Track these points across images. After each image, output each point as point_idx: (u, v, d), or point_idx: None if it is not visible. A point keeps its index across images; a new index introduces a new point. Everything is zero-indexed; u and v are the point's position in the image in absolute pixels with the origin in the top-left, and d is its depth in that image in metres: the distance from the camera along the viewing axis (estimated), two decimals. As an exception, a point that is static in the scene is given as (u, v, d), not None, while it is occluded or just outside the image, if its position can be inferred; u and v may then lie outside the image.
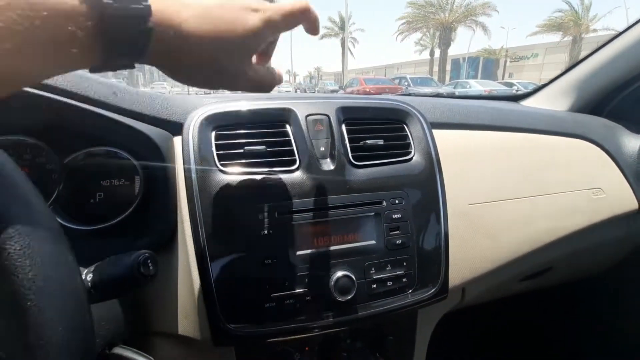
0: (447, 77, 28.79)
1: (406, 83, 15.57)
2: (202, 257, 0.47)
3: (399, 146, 0.60)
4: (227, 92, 0.80)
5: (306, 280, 0.50)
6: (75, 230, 0.50)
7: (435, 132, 0.64)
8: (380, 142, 0.59)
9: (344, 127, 0.58)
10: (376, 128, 0.60)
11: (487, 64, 31.95)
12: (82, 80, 0.50)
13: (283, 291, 0.49)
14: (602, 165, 0.81)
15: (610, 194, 0.78)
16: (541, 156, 0.74)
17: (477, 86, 12.71)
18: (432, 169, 0.59)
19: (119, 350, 0.43)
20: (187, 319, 0.49)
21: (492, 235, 0.64)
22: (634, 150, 0.84)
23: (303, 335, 0.51)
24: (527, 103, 1.12)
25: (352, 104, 0.61)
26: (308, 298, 0.50)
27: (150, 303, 0.50)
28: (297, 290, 0.49)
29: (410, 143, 0.61)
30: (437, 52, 29.93)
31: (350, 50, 34.63)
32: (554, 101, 1.06)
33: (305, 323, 0.49)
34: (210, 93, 1.10)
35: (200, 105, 0.55)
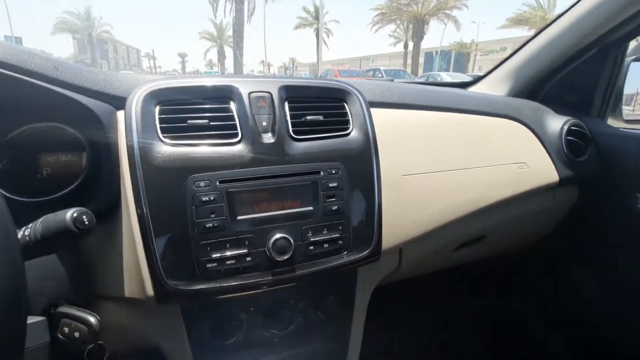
0: (420, 70, 29.37)
1: (380, 75, 15.74)
2: (144, 222, 0.50)
3: (338, 122, 0.65)
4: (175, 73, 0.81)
5: (246, 242, 0.54)
6: (22, 203, 0.52)
7: (374, 110, 0.70)
8: (320, 118, 0.63)
9: (286, 105, 0.62)
10: (317, 106, 0.65)
11: (458, 57, 32.85)
12: (23, 54, 0.51)
13: (224, 252, 0.53)
14: (527, 143, 0.89)
15: (533, 168, 0.87)
16: (472, 134, 0.82)
17: (447, 79, 13.06)
18: (368, 143, 0.65)
19: (63, 309, 0.46)
20: (132, 281, 0.52)
21: (423, 203, 0.70)
22: (556, 130, 0.94)
23: (245, 292, 0.55)
24: (473, 89, 1.20)
25: (295, 83, 0.65)
26: (248, 259, 0.54)
27: (96, 268, 0.53)
28: (238, 252, 0.53)
29: (349, 120, 0.66)
30: (411, 45, 30.37)
31: (324, 41, 34.47)
32: (495, 87, 1.15)
33: (246, 281, 0.54)
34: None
35: (145, 81, 0.57)
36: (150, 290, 0.51)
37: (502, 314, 1.40)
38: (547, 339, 1.24)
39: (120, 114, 0.56)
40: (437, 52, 33.24)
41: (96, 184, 0.54)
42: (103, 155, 0.53)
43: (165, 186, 0.52)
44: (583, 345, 1.14)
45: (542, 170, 0.88)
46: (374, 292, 0.84)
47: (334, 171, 0.61)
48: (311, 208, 0.59)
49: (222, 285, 0.53)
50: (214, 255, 0.52)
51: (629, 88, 1.15)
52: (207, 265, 0.52)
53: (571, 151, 0.93)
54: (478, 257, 1.07)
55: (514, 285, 1.36)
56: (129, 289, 0.53)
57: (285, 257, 0.55)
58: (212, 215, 0.53)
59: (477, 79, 1.24)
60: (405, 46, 32.34)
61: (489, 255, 1.12)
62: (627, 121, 1.15)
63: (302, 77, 0.82)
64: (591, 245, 1.08)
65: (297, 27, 35.67)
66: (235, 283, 0.53)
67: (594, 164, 0.98)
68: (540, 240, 1.15)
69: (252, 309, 0.61)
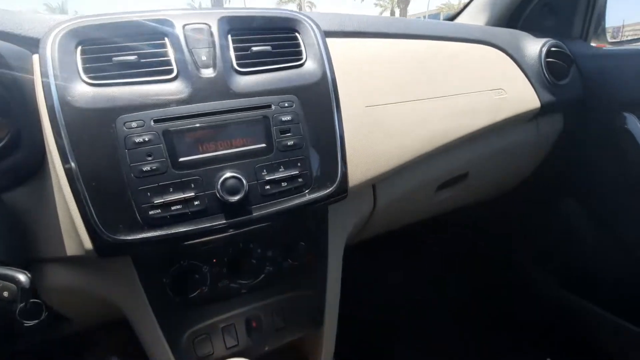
0: (409, 36, 28.62)
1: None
2: (71, 173, 0.45)
3: (289, 53, 0.59)
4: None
5: (192, 185, 0.49)
6: None
7: (331, 40, 0.64)
8: (269, 49, 0.57)
9: (229, 37, 0.56)
10: (265, 37, 0.59)
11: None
12: None
13: (167, 197, 0.48)
14: (504, 69, 0.83)
15: (512, 95, 0.81)
16: (443, 61, 0.76)
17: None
18: (324, 73, 0.59)
19: (-10, 269, 0.41)
20: (70, 238, 0.48)
21: (392, 134, 0.65)
22: (535, 52, 0.87)
23: (198, 239, 0.51)
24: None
25: (238, 14, 0.59)
26: (197, 202, 0.49)
27: (31, 229, 0.48)
28: (183, 196, 0.49)
29: (301, 50, 0.60)
30: (397, 12, 29.48)
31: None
32: (474, 18, 1.08)
33: (197, 226, 0.49)
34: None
35: (64, 20, 0.51)
36: (88, 244, 0.46)
37: (491, 258, 1.38)
38: (536, 276, 1.22)
39: (36, 58, 0.50)
40: (424, 16, 32.32)
41: (15, 137, 0.48)
42: (19, 105, 0.48)
43: (92, 131, 0.46)
44: (573, 281, 1.12)
45: (522, 96, 0.83)
46: (357, 248, 0.80)
47: (286, 104, 0.55)
48: (264, 145, 0.54)
49: (170, 232, 0.48)
50: (156, 201, 0.48)
51: (612, 17, 1.08)
52: (150, 213, 0.47)
53: (552, 74, 0.87)
54: (462, 201, 1.03)
55: (501, 228, 1.33)
56: (69, 247, 0.48)
57: (238, 198, 0.50)
58: (149, 158, 0.48)
59: (456, 13, 1.17)
60: (392, 13, 31.42)
61: (473, 199, 1.08)
62: (613, 43, 1.08)
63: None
64: (580, 176, 1.05)
65: (279, 2, 34.50)
66: (185, 229, 0.49)
67: (577, 87, 0.92)
68: (526, 180, 1.11)
69: (214, 260, 0.57)
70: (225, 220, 0.51)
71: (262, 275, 0.61)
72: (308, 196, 0.56)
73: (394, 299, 1.36)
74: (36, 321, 0.44)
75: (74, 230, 0.47)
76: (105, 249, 0.47)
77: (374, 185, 0.71)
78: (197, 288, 0.56)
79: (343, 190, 0.59)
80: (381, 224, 0.84)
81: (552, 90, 0.87)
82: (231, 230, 0.52)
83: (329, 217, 0.65)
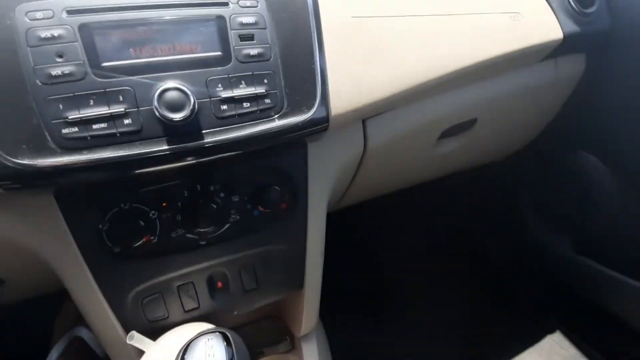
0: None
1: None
2: None
3: None
4: None
5: (120, 97, 0.38)
6: None
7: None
8: None
9: None
10: None
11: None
12: None
13: (86, 111, 0.37)
14: (522, -11, 0.70)
15: (530, 20, 0.68)
16: (449, -25, 0.63)
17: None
18: None
19: None
20: None
21: (385, 56, 0.53)
22: (558, -28, 0.74)
23: (132, 171, 0.40)
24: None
25: None
26: (127, 121, 0.38)
27: None
28: (109, 111, 0.37)
29: None
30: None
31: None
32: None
33: (128, 152, 0.38)
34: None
35: None
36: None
37: (497, 218, 1.28)
38: (548, 239, 1.12)
39: None
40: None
41: None
42: None
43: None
44: (590, 245, 1.02)
45: (541, 23, 0.70)
46: (354, 212, 0.69)
47: (248, 3, 0.43)
48: (219, 53, 0.42)
49: (92, 158, 0.37)
50: (71, 116, 0.36)
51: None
52: (63, 131, 0.36)
53: (577, 0, 0.74)
54: (465, 161, 0.91)
55: (507, 186, 1.21)
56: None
57: (182, 116, 0.38)
58: (59, 60, 0.36)
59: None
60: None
61: (478, 158, 0.96)
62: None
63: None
64: (602, 128, 0.92)
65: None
66: (112, 155, 0.38)
67: (604, 18, 0.79)
68: (539, 136, 0.99)
69: (164, 204, 0.47)
70: (168, 145, 0.40)
71: (227, 225, 0.51)
72: (277, 122, 0.45)
73: (387, 261, 1.27)
74: None
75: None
76: (6, 176, 0.36)
77: (364, 121, 0.59)
78: (142, 237, 0.45)
79: (323, 118, 0.47)
80: (373, 178, 0.73)
81: (577, 19, 0.73)
82: (176, 160, 0.41)
83: (309, 157, 0.54)
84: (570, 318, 1.10)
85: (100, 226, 0.44)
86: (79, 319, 0.93)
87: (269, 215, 0.53)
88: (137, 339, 0.46)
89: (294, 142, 0.50)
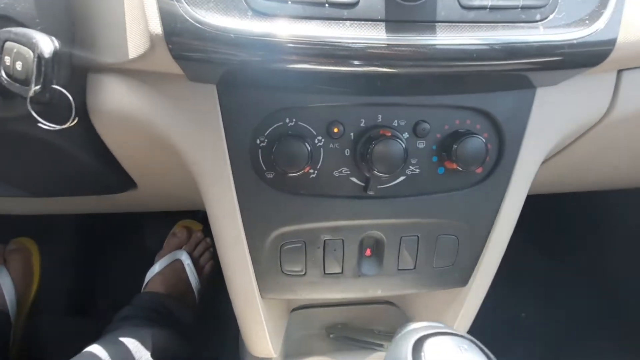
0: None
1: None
2: None
3: None
4: None
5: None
6: None
7: None
8: None
9: None
10: None
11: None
12: None
13: None
14: None
15: None
16: None
17: None
18: None
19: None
20: (137, 28, 0.29)
21: None
22: None
23: (319, 61, 0.28)
24: None
25: None
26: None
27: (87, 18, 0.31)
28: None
29: None
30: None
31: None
32: None
33: (331, 32, 0.26)
34: None
35: None
36: (156, 26, 0.26)
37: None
38: None
39: None
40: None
41: None
42: None
43: None
44: None
45: None
46: None
47: None
48: None
49: (287, 32, 0.26)
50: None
51: None
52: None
53: None
54: None
55: None
56: (133, 43, 0.29)
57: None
58: None
59: None
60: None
61: None
62: None
63: None
64: None
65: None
66: (312, 34, 0.26)
67: None
68: None
69: (335, 129, 0.35)
70: (386, 34, 0.27)
71: (402, 178, 0.38)
72: (542, 31, 0.28)
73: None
74: (58, 127, 0.27)
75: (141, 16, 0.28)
76: (179, 34, 0.26)
77: (619, 72, 0.39)
78: (302, 166, 0.34)
79: (610, 41, 0.29)
80: (589, 159, 0.52)
81: None
82: (394, 60, 0.28)
83: (534, 108, 0.37)
84: None
85: (257, 141, 0.35)
86: (185, 243, 0.95)
87: (457, 178, 0.38)
88: None
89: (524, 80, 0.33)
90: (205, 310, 0.90)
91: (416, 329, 0.26)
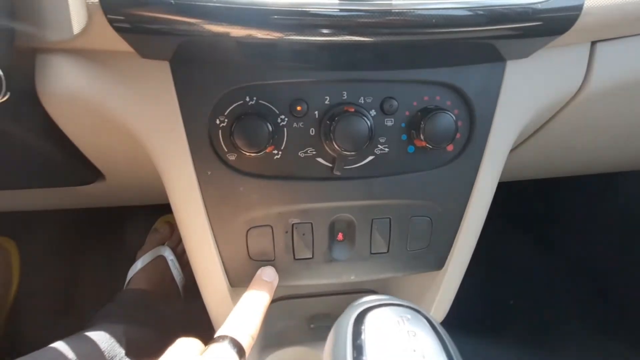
0: None
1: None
2: None
3: None
4: None
5: None
6: None
7: None
8: None
9: None
10: None
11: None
12: None
13: None
14: None
15: None
16: None
17: None
18: None
19: None
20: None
21: None
22: None
23: (274, 29, 0.26)
24: None
25: None
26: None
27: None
28: None
29: None
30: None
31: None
32: None
33: None
34: None
35: None
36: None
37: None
38: None
39: None
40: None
41: None
42: None
43: None
44: None
45: None
46: None
47: None
48: None
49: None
50: None
51: None
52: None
53: None
54: None
55: None
56: (75, 18, 0.28)
57: None
58: None
59: None
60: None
61: None
62: None
63: None
64: None
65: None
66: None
67: None
68: None
69: (298, 107, 0.33)
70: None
71: (370, 158, 0.36)
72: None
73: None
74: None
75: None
76: (117, 2, 0.25)
77: (593, 44, 0.38)
78: (264, 146, 0.33)
79: (577, 4, 0.28)
80: (564, 139, 0.51)
81: None
82: (355, 27, 0.26)
83: (504, 83, 0.36)
84: None
85: (217, 121, 0.33)
86: (167, 239, 0.93)
87: (428, 156, 0.37)
88: None
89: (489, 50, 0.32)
90: (190, 305, 0.89)
91: (362, 302, 0.25)
